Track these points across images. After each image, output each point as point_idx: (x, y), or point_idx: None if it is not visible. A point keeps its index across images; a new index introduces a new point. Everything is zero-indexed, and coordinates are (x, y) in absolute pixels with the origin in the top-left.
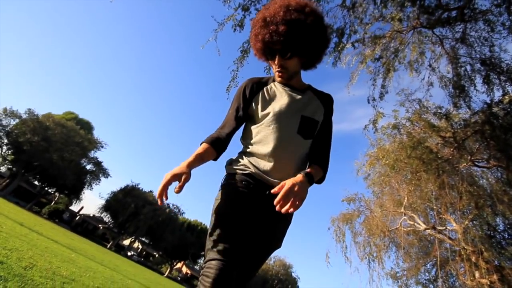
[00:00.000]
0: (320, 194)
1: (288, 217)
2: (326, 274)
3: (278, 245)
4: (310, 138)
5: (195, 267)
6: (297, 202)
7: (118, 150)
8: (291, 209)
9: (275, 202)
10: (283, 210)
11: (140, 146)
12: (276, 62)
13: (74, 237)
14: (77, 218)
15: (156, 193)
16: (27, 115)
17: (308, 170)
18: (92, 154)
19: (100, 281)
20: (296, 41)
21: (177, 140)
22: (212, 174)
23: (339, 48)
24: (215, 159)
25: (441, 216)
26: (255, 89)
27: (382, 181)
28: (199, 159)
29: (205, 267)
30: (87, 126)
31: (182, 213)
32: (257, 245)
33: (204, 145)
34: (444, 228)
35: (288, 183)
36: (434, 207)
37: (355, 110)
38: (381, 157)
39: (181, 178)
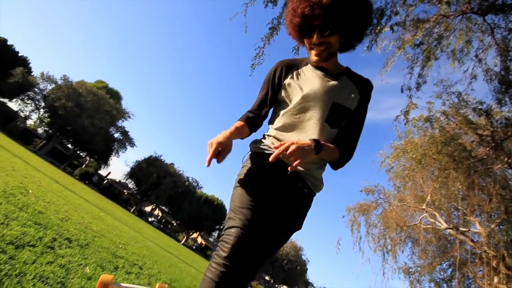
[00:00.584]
0: (338, 182)
1: (308, 200)
2: (335, 260)
3: (297, 226)
4: (337, 127)
5: (210, 239)
6: (292, 160)
7: (144, 121)
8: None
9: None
10: (271, 159)
11: (164, 120)
12: (314, 40)
13: (102, 199)
14: (104, 182)
15: (176, 165)
16: (62, 81)
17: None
18: (120, 123)
19: (125, 239)
20: (339, 16)
21: (201, 117)
22: (232, 154)
23: (376, 31)
24: (248, 136)
25: (466, 217)
26: (284, 72)
27: (405, 175)
28: (238, 133)
29: (225, 234)
30: (116, 96)
31: (200, 187)
32: (276, 222)
33: (240, 122)
34: (467, 229)
35: (287, 142)
36: (460, 207)
37: (384, 100)
38: (408, 150)
39: (225, 148)
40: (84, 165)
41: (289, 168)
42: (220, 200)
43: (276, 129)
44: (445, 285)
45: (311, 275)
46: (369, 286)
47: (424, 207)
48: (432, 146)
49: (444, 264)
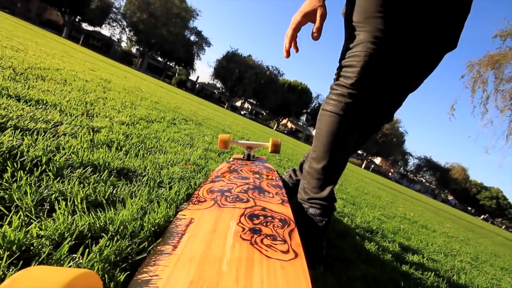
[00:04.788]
0: None
1: (467, 3)
2: (439, 129)
3: (452, 42)
4: None
5: (299, 122)
6: None
7: (211, 16)
8: None
9: None
10: None
11: (228, 10)
12: None
13: (199, 99)
14: (196, 86)
15: (254, 56)
16: None
17: None
18: (191, 24)
19: (228, 123)
20: None
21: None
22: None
23: None
24: None
25: None
26: None
27: None
28: None
29: (346, 58)
30: None
31: (282, 74)
32: (423, 34)
33: None
34: None
35: None
36: None
37: None
38: None
39: (316, 16)
40: (176, 74)
41: None
42: (304, 84)
43: None
44: None
45: (409, 146)
46: (484, 147)
47: None
48: None
49: None
